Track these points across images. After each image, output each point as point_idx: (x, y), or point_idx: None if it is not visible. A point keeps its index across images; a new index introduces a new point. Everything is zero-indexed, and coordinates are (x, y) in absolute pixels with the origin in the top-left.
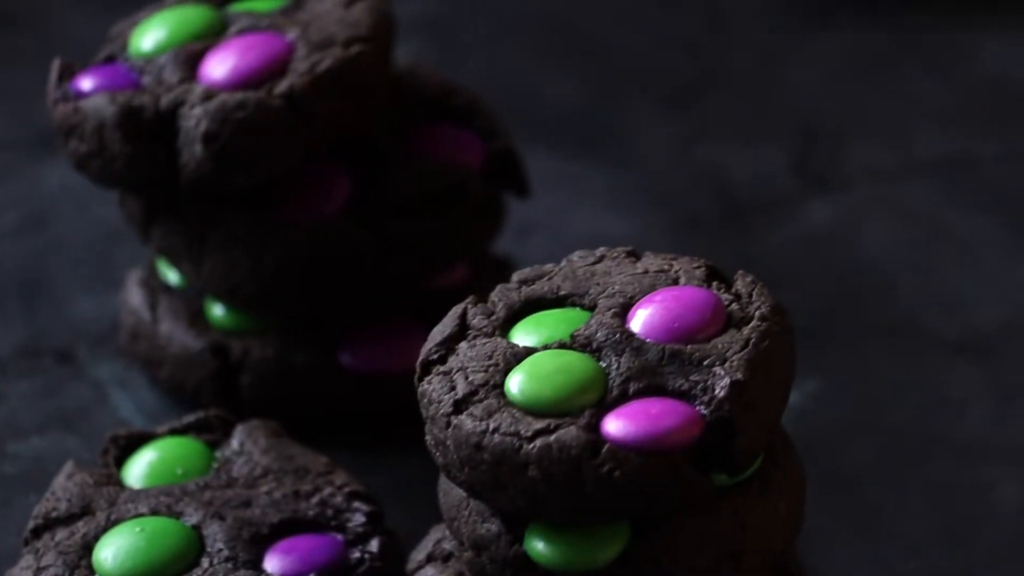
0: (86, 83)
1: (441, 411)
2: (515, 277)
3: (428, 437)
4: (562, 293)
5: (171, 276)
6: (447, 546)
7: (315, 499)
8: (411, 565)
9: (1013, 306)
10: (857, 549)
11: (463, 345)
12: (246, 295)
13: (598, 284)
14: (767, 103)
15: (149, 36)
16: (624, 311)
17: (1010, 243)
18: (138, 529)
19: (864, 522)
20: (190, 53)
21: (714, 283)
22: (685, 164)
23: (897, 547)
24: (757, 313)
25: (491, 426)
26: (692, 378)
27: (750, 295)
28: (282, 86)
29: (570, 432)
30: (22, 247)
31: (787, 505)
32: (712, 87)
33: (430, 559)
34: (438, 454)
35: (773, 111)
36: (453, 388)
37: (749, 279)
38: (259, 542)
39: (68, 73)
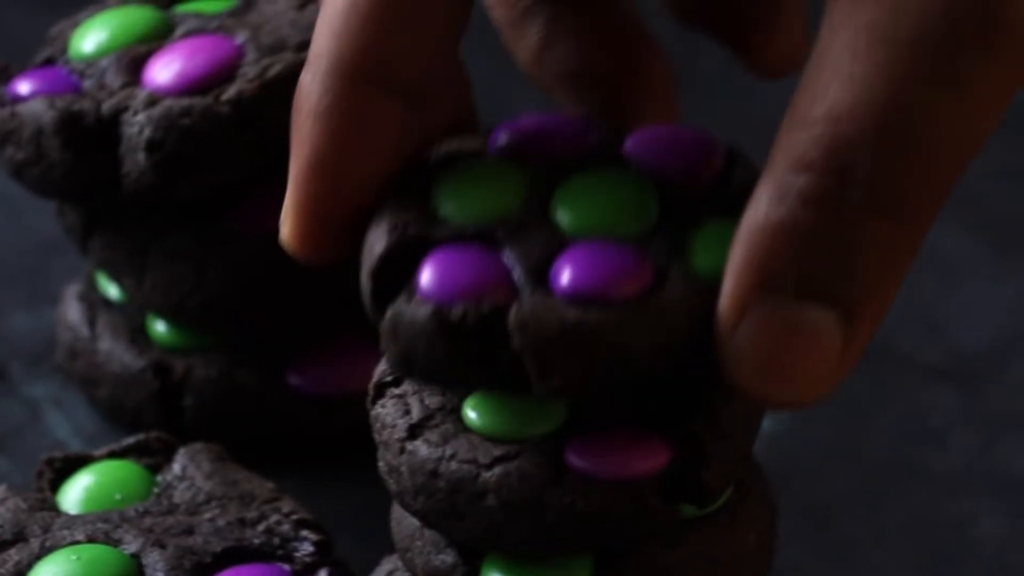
0: (24, 87)
1: (395, 436)
2: None
3: (381, 463)
4: None
5: (111, 290)
6: None
7: (261, 527)
8: None
9: (997, 330)
10: None
11: None
12: (190, 311)
13: None
14: (742, 114)
15: (91, 38)
16: None
17: (994, 264)
18: (74, 557)
19: (839, 555)
20: (134, 56)
21: None
22: None
23: None
24: None
25: (447, 452)
26: (660, 403)
27: None
28: (230, 92)
29: (531, 460)
30: None
31: (758, 537)
32: (690, 92)
33: None
34: (391, 481)
35: (747, 125)
36: (408, 412)
37: None
38: (201, 572)
39: (5, 76)
